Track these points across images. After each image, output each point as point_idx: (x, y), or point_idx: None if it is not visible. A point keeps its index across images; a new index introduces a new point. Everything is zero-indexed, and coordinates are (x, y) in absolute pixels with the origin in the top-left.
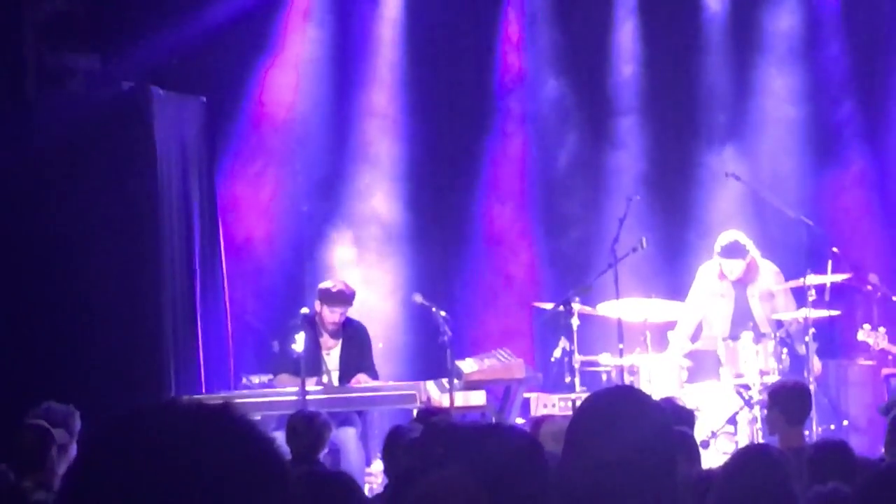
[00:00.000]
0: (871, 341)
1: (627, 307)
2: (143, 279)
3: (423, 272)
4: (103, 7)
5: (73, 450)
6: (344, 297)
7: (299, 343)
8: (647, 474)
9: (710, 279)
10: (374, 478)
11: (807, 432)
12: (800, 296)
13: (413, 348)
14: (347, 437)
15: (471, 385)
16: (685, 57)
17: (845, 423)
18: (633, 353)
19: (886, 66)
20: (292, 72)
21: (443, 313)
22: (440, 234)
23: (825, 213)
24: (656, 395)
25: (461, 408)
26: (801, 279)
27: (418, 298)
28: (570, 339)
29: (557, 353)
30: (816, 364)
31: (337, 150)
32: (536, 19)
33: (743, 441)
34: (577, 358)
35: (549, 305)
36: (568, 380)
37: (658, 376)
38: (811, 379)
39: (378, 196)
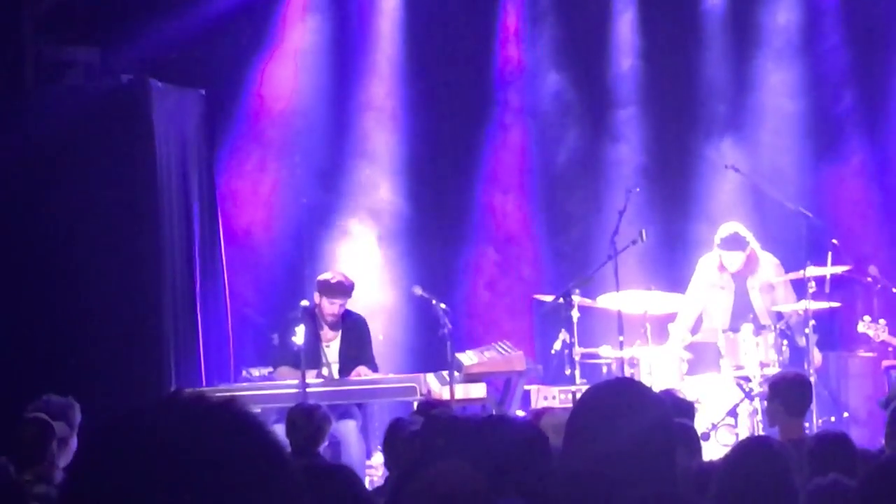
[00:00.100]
0: (871, 333)
1: (627, 299)
2: (142, 272)
3: (422, 264)
4: (102, 0)
5: (74, 443)
6: (343, 289)
7: (299, 336)
8: (647, 466)
9: (710, 271)
10: (374, 470)
11: (807, 424)
12: (800, 288)
13: (413, 341)
14: (348, 429)
15: (471, 377)
16: (684, 49)
17: (845, 415)
18: (633, 345)
19: (886, 58)
20: (291, 64)
21: (443, 306)
22: (440, 227)
23: (825, 205)
24: (656, 388)
25: (461, 400)
26: (801, 271)
27: (418, 291)
28: (571, 332)
29: (557, 345)
30: (817, 356)
31: (336, 143)
32: (535, 12)
33: (743, 433)
34: (578, 350)
35: (549, 298)
36: (568, 372)
37: (658, 368)
38: (811, 371)
39: (378, 188)
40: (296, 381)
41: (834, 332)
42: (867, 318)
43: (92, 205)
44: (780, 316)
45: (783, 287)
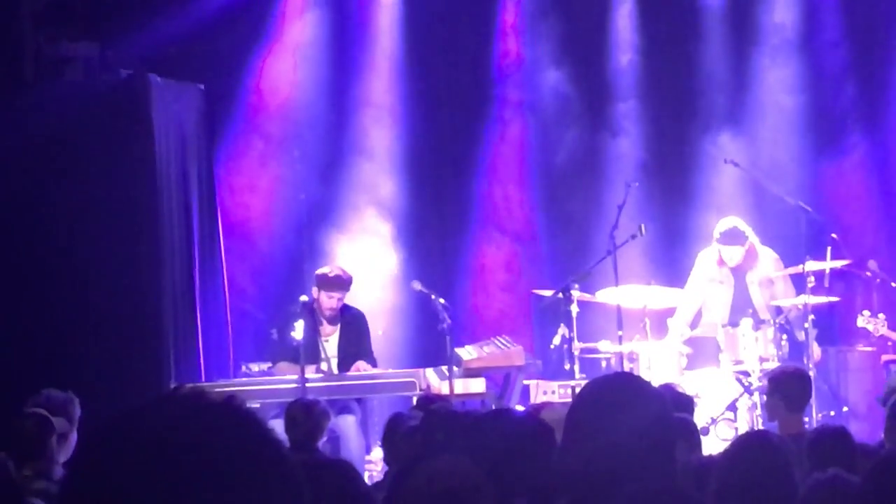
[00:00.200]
0: (870, 328)
1: (627, 294)
2: (142, 267)
3: (422, 259)
4: None
5: (74, 438)
6: (341, 282)
7: (298, 331)
8: (647, 460)
9: (710, 266)
10: (373, 465)
11: (806, 419)
12: (799, 282)
13: (412, 336)
14: (347, 424)
15: (470, 372)
16: (684, 43)
17: (845, 409)
18: (632, 339)
19: (885, 52)
20: (291, 59)
21: (442, 300)
22: (439, 222)
23: (824, 200)
24: (656, 382)
25: (461, 395)
26: (801, 266)
27: (417, 286)
28: (570, 326)
29: (557, 340)
30: (816, 350)
31: (335, 138)
32: (533, 6)
33: (743, 427)
34: (577, 345)
35: (548, 292)
36: (567, 367)
37: (657, 363)
38: (811, 365)
39: (377, 183)
40: (295, 377)
41: (833, 326)
42: (866, 312)
43: (91, 200)
44: (779, 310)
45: (782, 282)
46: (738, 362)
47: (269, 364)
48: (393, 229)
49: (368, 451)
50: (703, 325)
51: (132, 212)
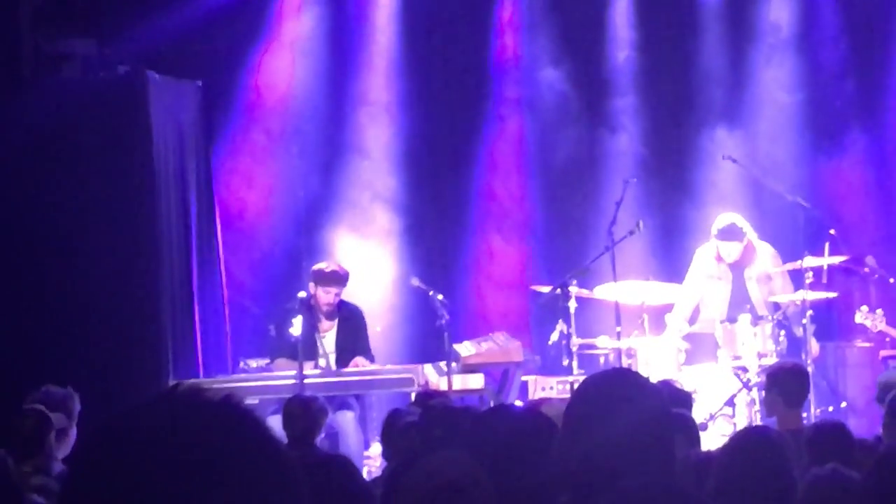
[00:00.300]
0: (868, 323)
1: (625, 290)
2: (140, 263)
3: (420, 256)
4: None
5: (73, 434)
6: (338, 277)
7: (297, 327)
8: (645, 456)
9: (708, 262)
10: (372, 461)
11: (804, 414)
12: (797, 278)
13: (411, 332)
14: (346, 420)
15: (469, 368)
16: (682, 40)
17: (843, 405)
18: (630, 335)
19: (884, 48)
20: (288, 56)
21: (440, 297)
22: (438, 218)
23: (822, 196)
24: (654, 378)
25: (459, 391)
26: (799, 261)
27: (416, 282)
28: (568, 322)
29: (555, 336)
30: (814, 346)
31: (334, 134)
32: (531, 3)
33: (741, 423)
34: (575, 341)
35: (546, 289)
36: (566, 363)
37: (656, 359)
38: (809, 361)
39: (375, 180)
40: (293, 373)
41: (831, 322)
42: (864, 308)
43: (89, 196)
44: (777, 306)
45: (781, 277)
46: (737, 358)
47: (268, 360)
48: (391, 226)
49: (367, 446)
50: (702, 321)
51: (130, 208)
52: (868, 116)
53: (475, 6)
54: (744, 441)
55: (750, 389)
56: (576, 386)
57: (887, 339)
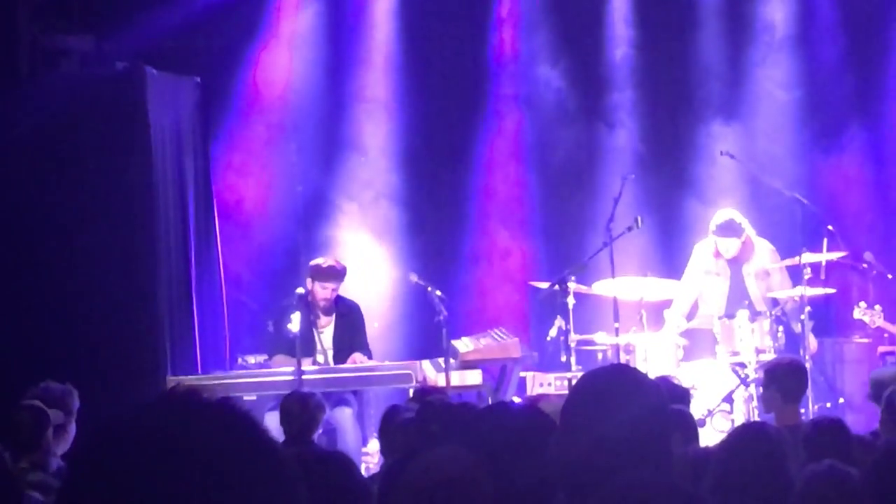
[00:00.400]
0: (866, 319)
1: (623, 286)
2: (138, 260)
3: (418, 252)
4: None
5: (72, 430)
6: (335, 272)
7: (295, 323)
8: (643, 452)
9: (706, 258)
10: (370, 457)
11: (802, 410)
12: (795, 274)
13: (409, 328)
14: (344, 417)
15: (467, 364)
16: (680, 35)
17: (841, 400)
18: (628, 331)
19: (882, 44)
20: (286, 52)
21: (438, 293)
22: (436, 214)
23: (820, 192)
24: (652, 374)
25: (457, 387)
26: (797, 257)
27: (414, 278)
28: (566, 318)
29: (553, 332)
30: (812, 342)
31: (332, 130)
32: None
33: (739, 419)
34: (573, 337)
35: (544, 284)
36: (564, 359)
37: (654, 355)
38: (807, 357)
39: (373, 176)
40: (291, 369)
41: (829, 318)
42: (863, 304)
43: (87, 192)
44: (775, 302)
45: (779, 273)
46: (735, 354)
47: (266, 356)
48: (389, 222)
49: (365, 443)
50: (700, 316)
51: (128, 204)
52: (866, 112)
53: (473, 2)
54: (742, 437)
55: (748, 385)
56: (574, 382)
57: (885, 335)
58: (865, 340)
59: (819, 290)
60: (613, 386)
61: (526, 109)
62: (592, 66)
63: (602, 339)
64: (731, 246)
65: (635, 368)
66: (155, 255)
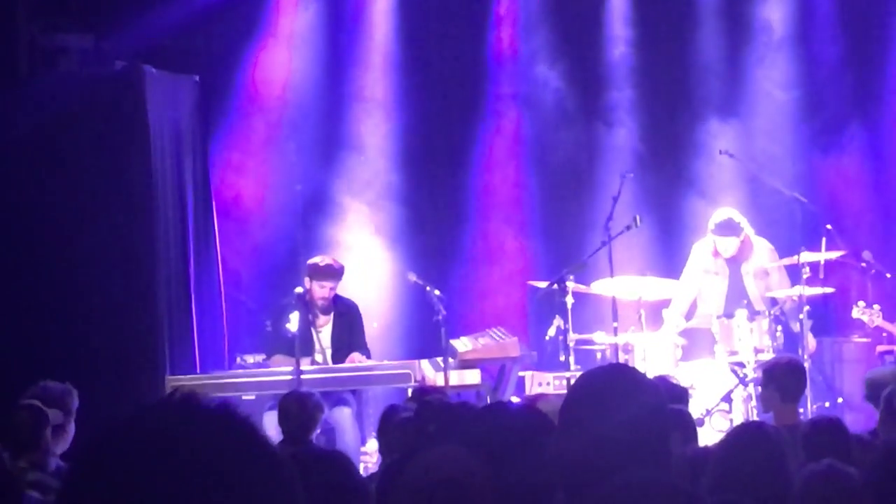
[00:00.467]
0: (865, 318)
1: (622, 285)
2: (137, 259)
3: (417, 251)
4: None
5: (71, 429)
6: (332, 271)
7: (293, 322)
8: (641, 452)
9: (705, 257)
10: (369, 457)
11: (801, 410)
12: (794, 273)
13: (407, 327)
14: (343, 417)
15: (465, 364)
16: (678, 34)
17: (840, 400)
18: (627, 331)
19: (881, 43)
20: (285, 51)
21: (437, 292)
22: (434, 213)
23: (819, 191)
24: (651, 373)
25: (456, 386)
26: (796, 256)
27: (412, 277)
28: (565, 318)
29: (552, 331)
30: (811, 341)
31: (331, 129)
32: None
33: (738, 419)
34: (572, 336)
35: (543, 284)
36: (562, 358)
37: (652, 354)
38: (806, 356)
39: (372, 175)
40: (290, 368)
41: (828, 317)
42: (861, 303)
43: (86, 192)
44: (774, 301)
45: (777, 273)
46: (733, 353)
47: (264, 356)
48: (388, 221)
49: (364, 442)
50: (698, 316)
51: (127, 203)
52: (865, 111)
53: (472, 1)
54: (740, 437)
55: (746, 385)
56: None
57: (884, 335)
58: (864, 340)
59: (818, 290)
60: (612, 385)
61: (525, 109)
62: (591, 66)
63: (601, 339)
64: (729, 245)
65: (634, 368)
66: (154, 255)
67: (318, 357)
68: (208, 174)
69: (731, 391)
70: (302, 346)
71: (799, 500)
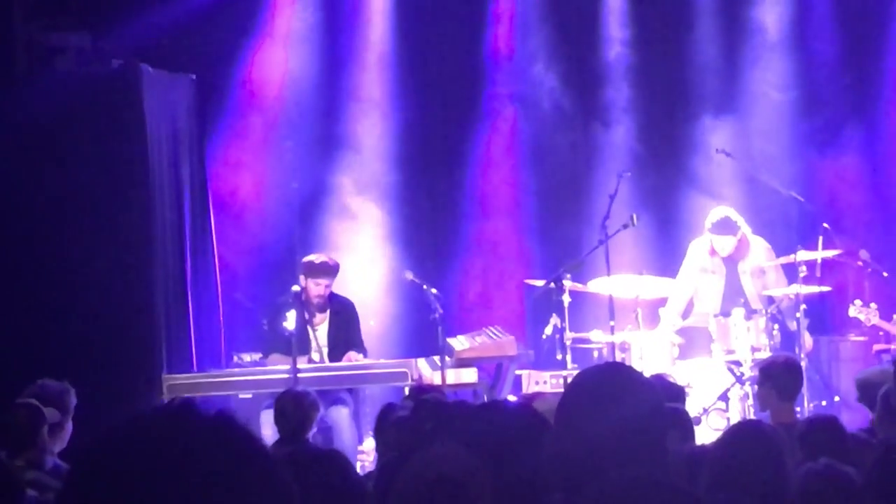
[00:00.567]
0: (862, 317)
1: (618, 284)
2: (134, 257)
3: (414, 250)
4: None
5: (69, 428)
6: (327, 268)
7: (290, 321)
8: (638, 450)
9: (701, 255)
10: (366, 455)
11: (798, 408)
12: (791, 272)
13: (404, 326)
14: (340, 416)
15: (462, 362)
16: (675, 34)
17: (836, 399)
18: (624, 329)
19: (878, 42)
20: (282, 50)
21: (434, 291)
22: (431, 212)
23: (816, 190)
24: (647, 372)
25: (453, 385)
26: (792, 255)
27: (409, 276)
28: (562, 317)
29: (549, 330)
30: (807, 340)
31: (328, 128)
32: None
33: (734, 417)
34: (569, 335)
35: (540, 283)
36: (559, 357)
37: (649, 353)
38: (802, 355)
39: (369, 174)
40: (287, 367)
41: (825, 316)
42: (858, 302)
43: (83, 190)
44: (771, 300)
45: (774, 271)
46: (730, 352)
47: (261, 355)
48: (385, 220)
49: (360, 441)
50: (695, 314)
51: (124, 202)
52: (862, 111)
53: (469, 0)
54: (737, 435)
55: (743, 384)
56: (569, 380)
57: (881, 333)
58: (861, 338)
59: (814, 288)
60: (608, 384)
61: (521, 108)
62: (588, 65)
63: (598, 337)
64: (726, 244)
65: (630, 367)
66: (151, 253)
67: (315, 356)
68: (205, 173)
69: (727, 390)
70: (299, 344)
71: (797, 500)
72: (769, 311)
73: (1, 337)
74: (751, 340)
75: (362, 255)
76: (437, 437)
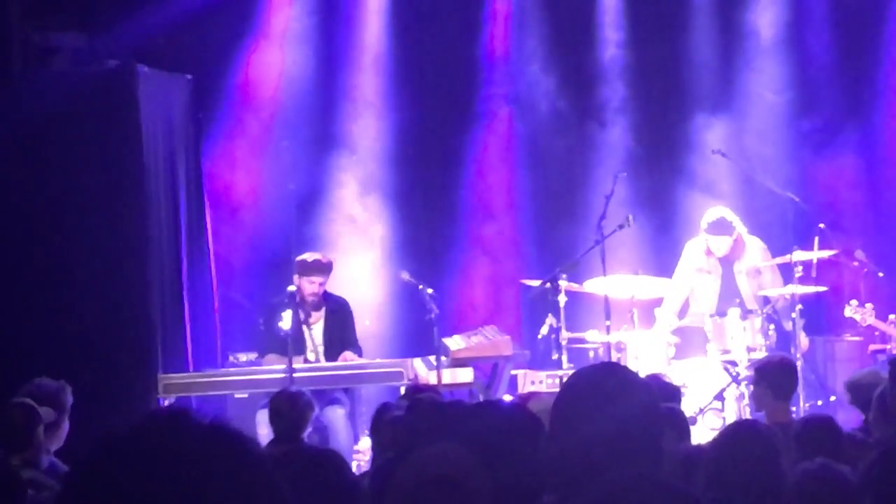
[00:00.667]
0: (857, 317)
1: (614, 284)
2: (129, 257)
3: (409, 250)
4: None
5: (65, 427)
6: (320, 266)
7: (286, 321)
8: (633, 450)
9: (697, 256)
10: (361, 455)
11: (793, 408)
12: (786, 272)
13: (400, 326)
14: (336, 416)
15: (458, 362)
16: (672, 34)
17: (832, 398)
18: (620, 329)
19: (874, 44)
20: (278, 50)
21: (430, 290)
22: (427, 212)
23: (812, 190)
24: (643, 372)
25: (449, 385)
26: (788, 255)
27: (405, 276)
28: (557, 316)
29: (544, 330)
30: (803, 340)
31: (324, 128)
32: None
33: (730, 417)
34: (565, 335)
35: (536, 282)
36: (555, 357)
37: (645, 353)
38: (798, 355)
39: (365, 174)
40: (283, 367)
41: (821, 316)
42: (854, 302)
43: (78, 190)
44: (766, 300)
45: (770, 271)
46: (726, 352)
47: (257, 354)
48: (381, 220)
49: (356, 440)
50: (691, 314)
51: (120, 202)
52: (858, 112)
53: (464, 1)
54: (733, 435)
55: (739, 383)
56: (565, 380)
57: (877, 333)
58: (857, 338)
59: (810, 288)
60: (604, 384)
61: (517, 108)
62: (584, 65)
63: (593, 337)
64: (722, 244)
65: (626, 366)
66: (146, 252)
67: (311, 355)
68: (201, 173)
69: (723, 390)
70: (294, 344)
71: (793, 499)
72: (765, 311)
73: None
74: (746, 340)
75: (358, 256)
76: (433, 437)
